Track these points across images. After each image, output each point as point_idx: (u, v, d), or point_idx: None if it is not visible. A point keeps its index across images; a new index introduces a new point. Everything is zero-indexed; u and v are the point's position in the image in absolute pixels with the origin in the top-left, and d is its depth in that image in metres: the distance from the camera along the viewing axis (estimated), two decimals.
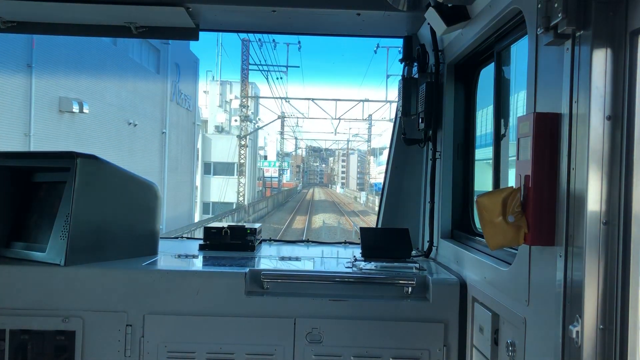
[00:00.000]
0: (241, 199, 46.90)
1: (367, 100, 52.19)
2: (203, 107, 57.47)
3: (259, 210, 49.75)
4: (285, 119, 65.43)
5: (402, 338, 3.28)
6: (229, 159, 48.69)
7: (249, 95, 50.14)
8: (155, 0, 3.74)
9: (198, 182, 46.83)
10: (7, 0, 3.76)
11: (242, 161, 47.60)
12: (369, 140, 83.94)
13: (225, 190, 47.86)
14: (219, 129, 55.50)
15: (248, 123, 50.21)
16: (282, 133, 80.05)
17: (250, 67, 46.29)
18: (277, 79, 50.70)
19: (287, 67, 53.78)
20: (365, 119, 60.71)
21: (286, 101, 53.90)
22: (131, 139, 27.74)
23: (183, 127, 37.67)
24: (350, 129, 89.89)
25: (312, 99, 48.38)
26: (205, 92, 59.77)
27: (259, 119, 66.87)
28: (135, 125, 27.99)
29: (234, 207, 44.24)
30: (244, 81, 46.84)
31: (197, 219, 40.52)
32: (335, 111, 53.06)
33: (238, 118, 49.79)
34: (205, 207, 48.91)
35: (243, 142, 48.21)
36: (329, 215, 52.46)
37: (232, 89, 56.75)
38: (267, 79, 49.80)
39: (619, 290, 1.93)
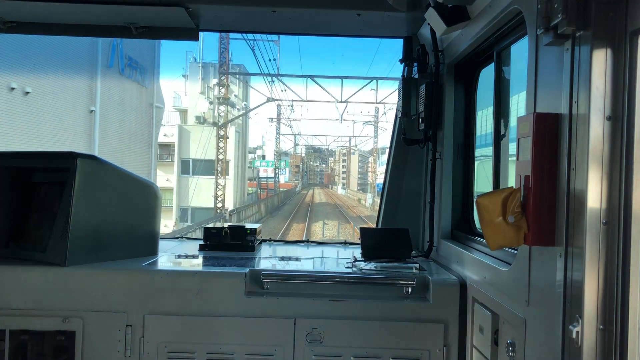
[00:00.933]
0: (220, 204, 37.56)
1: (381, 78, 39.61)
2: (182, 94, 49.69)
3: (246, 218, 40.73)
4: (276, 101, 48.45)
5: (402, 338, 3.28)
6: (212, 155, 39.31)
7: (230, 71, 39.70)
8: (155, 0, 3.74)
9: (174, 184, 40.56)
10: (7, 1, 3.76)
11: (220, 157, 38.05)
12: (376, 136, 74.01)
13: (205, 192, 39.15)
14: (201, 120, 45.64)
15: (229, 108, 40.69)
16: (272, 120, 65.90)
17: (232, 34, 36.62)
18: (267, 40, 38.16)
19: (279, 33, 44.01)
20: (379, 103, 48.04)
21: (279, 80, 39.90)
22: (20, 114, 18.29)
23: (133, 107, 27.09)
24: (354, 122, 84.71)
25: (311, 76, 37.06)
26: (184, 76, 49.63)
27: (245, 104, 54.63)
28: (27, 93, 18.63)
29: (220, 214, 35.80)
30: (223, 53, 37.46)
31: (170, 228, 33.67)
32: (340, 94, 39.67)
33: (215, 101, 40.02)
34: (184, 213, 40.79)
35: (222, 132, 38.47)
36: (331, 223, 43.76)
37: (216, 73, 43.89)
38: (252, 49, 39.70)
39: (619, 290, 1.93)
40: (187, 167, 42.32)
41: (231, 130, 43.29)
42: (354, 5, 3.82)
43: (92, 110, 22.64)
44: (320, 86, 36.51)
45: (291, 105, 60.21)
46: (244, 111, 50.93)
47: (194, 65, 48.33)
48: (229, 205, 40.85)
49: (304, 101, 42.61)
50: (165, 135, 42.58)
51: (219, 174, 38.04)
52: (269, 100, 43.23)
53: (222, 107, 39.36)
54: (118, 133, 25.44)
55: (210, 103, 44.06)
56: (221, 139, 38.40)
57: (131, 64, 26.19)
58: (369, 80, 37.96)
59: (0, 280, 3.34)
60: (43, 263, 3.42)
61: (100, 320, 3.31)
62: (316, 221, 45.32)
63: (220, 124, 38.77)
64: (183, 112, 48.79)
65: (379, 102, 47.93)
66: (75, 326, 3.30)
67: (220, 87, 39.06)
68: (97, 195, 3.59)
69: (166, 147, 43.58)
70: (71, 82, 21.36)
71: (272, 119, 67.36)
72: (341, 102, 40.02)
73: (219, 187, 37.82)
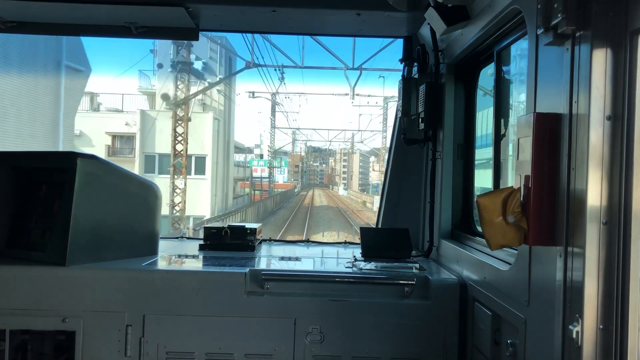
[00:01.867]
0: (178, 213, 28.19)
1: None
2: (149, 73, 38.91)
3: None
4: (258, 66, 29.84)
5: (402, 338, 3.28)
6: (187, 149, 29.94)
7: (208, 43, 30.91)
8: (155, 0, 3.74)
9: None
10: (7, 0, 3.76)
11: (179, 148, 27.86)
12: (384, 130, 60.98)
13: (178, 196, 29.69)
14: (172, 105, 34.00)
15: (191, 77, 29.73)
16: (253, 95, 47.81)
17: None
18: None
19: (279, 33, 27.04)
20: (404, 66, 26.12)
21: (264, 38, 26.93)
22: None
23: (14, 64, 17.39)
24: (360, 115, 78.16)
25: (311, 34, 16.70)
26: (152, 51, 38.05)
27: (218, 78, 38.47)
28: None
29: (197, 225, 27.70)
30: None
31: None
32: (352, 60, 28.65)
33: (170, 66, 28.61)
34: None
35: (181, 114, 27.62)
36: (336, 235, 33.90)
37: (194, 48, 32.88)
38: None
39: (619, 290, 1.93)
40: (153, 164, 33.41)
41: (208, 117, 34.57)
42: (354, 5, 3.82)
43: None
44: (324, 46, 25.74)
45: (280, 70, 36.29)
46: (219, 87, 37.29)
47: None
48: (205, 212, 33.09)
49: (300, 67, 29.13)
50: (126, 124, 35.35)
51: (177, 173, 27.87)
52: (248, 65, 28.78)
53: (182, 76, 28.53)
54: None
55: (160, 66, 32.79)
56: (180, 122, 27.24)
57: None
58: (391, 40, 22.63)
59: (0, 280, 3.34)
60: (43, 263, 3.42)
61: (100, 320, 3.31)
62: (316, 232, 36.74)
63: (176, 100, 27.45)
64: (151, 96, 38.77)
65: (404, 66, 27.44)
66: (75, 326, 3.30)
67: (179, 48, 28.09)
68: (97, 195, 3.59)
69: (128, 140, 36.05)
70: None
71: (252, 93, 49.68)
72: (353, 68, 27.37)
73: (176, 190, 27.61)
